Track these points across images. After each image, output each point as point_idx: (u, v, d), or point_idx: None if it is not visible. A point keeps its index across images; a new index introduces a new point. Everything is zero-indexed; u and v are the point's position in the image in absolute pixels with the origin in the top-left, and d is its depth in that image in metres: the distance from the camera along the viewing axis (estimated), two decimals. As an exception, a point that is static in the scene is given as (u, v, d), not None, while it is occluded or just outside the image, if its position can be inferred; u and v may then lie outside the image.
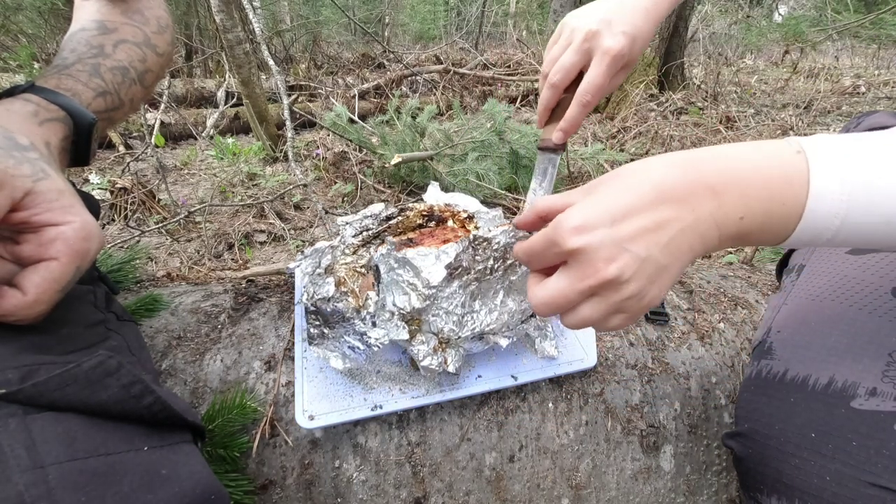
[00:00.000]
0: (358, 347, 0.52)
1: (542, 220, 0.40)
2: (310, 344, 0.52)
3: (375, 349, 0.51)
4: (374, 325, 0.51)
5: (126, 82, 0.52)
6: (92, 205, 0.57)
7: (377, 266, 0.48)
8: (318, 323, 0.53)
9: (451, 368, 0.51)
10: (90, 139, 0.47)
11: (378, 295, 0.50)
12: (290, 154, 1.70)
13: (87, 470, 0.32)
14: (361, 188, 2.07)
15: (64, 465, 0.31)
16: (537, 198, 0.53)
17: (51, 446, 0.31)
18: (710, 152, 0.34)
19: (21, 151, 0.38)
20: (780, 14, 4.91)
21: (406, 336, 0.50)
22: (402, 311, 0.49)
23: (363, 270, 0.62)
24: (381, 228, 0.66)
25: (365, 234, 0.65)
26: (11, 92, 0.43)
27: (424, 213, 0.68)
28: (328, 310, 0.53)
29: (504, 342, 0.53)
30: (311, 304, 0.54)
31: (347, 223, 0.65)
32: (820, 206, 0.32)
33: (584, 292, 0.34)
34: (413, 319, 0.51)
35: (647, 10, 0.57)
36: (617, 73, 0.58)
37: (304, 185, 1.62)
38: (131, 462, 0.34)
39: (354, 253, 0.64)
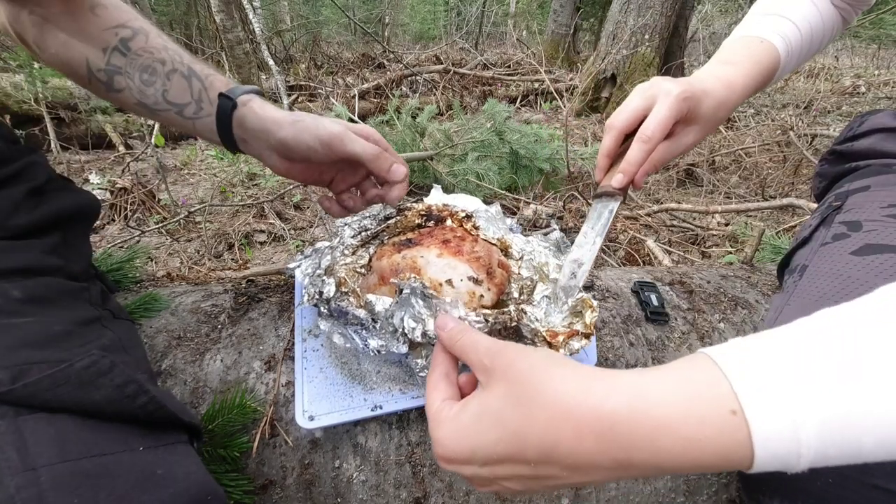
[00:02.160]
0: (357, 343, 0.52)
1: (449, 352, 0.39)
2: (318, 315, 0.53)
3: (372, 354, 0.51)
4: (375, 328, 0.51)
5: None
6: (92, 204, 0.57)
7: (402, 289, 0.48)
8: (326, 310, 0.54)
9: None
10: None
11: (391, 305, 0.49)
12: (290, 154, 1.69)
13: (79, 471, 0.32)
14: (361, 188, 2.07)
15: (56, 467, 0.31)
16: (576, 252, 0.54)
17: (43, 448, 0.31)
18: (629, 411, 0.27)
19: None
20: (780, 14, 4.91)
21: (405, 350, 0.49)
22: (405, 334, 0.48)
23: (363, 271, 0.62)
24: (379, 228, 0.66)
25: (364, 234, 0.65)
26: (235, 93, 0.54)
27: (423, 212, 0.67)
28: (331, 308, 0.53)
29: None
30: (313, 305, 0.54)
31: (346, 224, 0.65)
32: (773, 448, 0.25)
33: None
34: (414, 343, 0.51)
35: (718, 76, 0.57)
36: (685, 127, 0.56)
37: (305, 185, 1.62)
38: (126, 462, 0.34)
39: (354, 253, 0.64)
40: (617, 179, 0.54)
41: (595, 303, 0.51)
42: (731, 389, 0.26)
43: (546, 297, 0.55)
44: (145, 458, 0.36)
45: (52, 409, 0.33)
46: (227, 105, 0.53)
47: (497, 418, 0.31)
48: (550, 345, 0.47)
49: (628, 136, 0.56)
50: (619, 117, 0.55)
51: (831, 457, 0.25)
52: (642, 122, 0.54)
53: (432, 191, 0.73)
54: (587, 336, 0.48)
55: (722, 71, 0.59)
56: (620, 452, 0.27)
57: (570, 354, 0.47)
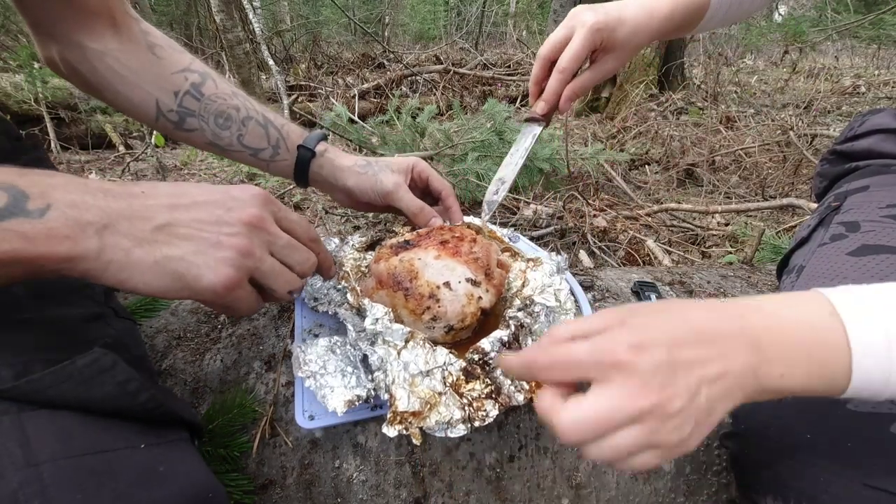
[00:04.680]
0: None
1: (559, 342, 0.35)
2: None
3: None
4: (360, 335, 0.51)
5: None
6: None
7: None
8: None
9: None
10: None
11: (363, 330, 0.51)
12: (290, 154, 1.70)
13: (82, 467, 0.32)
14: (361, 188, 2.07)
15: (59, 463, 0.31)
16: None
17: (45, 444, 0.31)
18: (746, 304, 0.34)
19: None
20: (780, 14, 4.91)
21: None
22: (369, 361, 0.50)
23: (367, 271, 0.63)
24: (381, 236, 0.68)
25: (367, 237, 0.68)
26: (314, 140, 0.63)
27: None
28: (329, 312, 0.54)
29: None
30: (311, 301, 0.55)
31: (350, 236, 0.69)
32: (868, 363, 0.31)
33: (631, 415, 0.30)
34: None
35: (645, 7, 0.59)
36: (605, 55, 0.59)
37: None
38: (128, 459, 0.34)
39: (362, 251, 0.66)
40: (540, 107, 0.60)
41: None
42: (830, 303, 0.33)
43: (546, 306, 0.55)
44: (147, 454, 0.36)
45: (54, 406, 0.33)
46: (306, 155, 0.62)
47: (659, 319, 0.33)
48: (539, 384, 0.47)
49: (554, 64, 0.60)
50: (545, 47, 0.60)
51: None
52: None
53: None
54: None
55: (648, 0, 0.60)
56: (749, 330, 0.33)
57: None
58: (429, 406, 0.44)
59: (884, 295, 0.32)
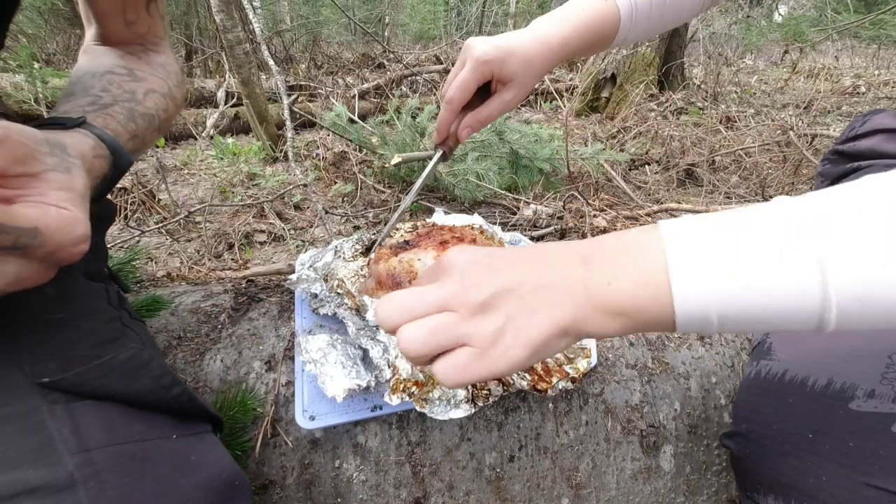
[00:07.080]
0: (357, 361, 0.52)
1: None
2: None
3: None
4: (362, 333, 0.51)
5: (151, 128, 0.52)
6: (108, 207, 0.58)
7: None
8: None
9: None
10: (119, 179, 0.46)
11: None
12: (290, 154, 1.70)
13: (127, 454, 0.34)
14: (361, 188, 2.07)
15: (107, 450, 0.34)
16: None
17: (93, 431, 0.34)
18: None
19: (63, 153, 0.35)
20: (780, 14, 4.90)
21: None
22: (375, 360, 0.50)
23: (364, 272, 0.63)
24: (377, 238, 0.67)
25: (361, 245, 0.68)
26: (64, 124, 0.41)
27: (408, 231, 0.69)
28: (327, 314, 0.54)
29: None
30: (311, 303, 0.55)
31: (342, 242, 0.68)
32: (690, 323, 0.30)
33: (437, 299, 0.32)
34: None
35: (536, 34, 0.58)
36: (503, 86, 0.58)
37: (304, 185, 1.62)
38: (164, 448, 0.37)
39: (354, 260, 0.66)
40: (435, 138, 0.59)
41: (592, 354, 0.53)
42: (667, 271, 0.29)
43: None
44: (179, 444, 0.39)
45: (98, 398, 0.36)
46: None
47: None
48: (541, 377, 0.49)
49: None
50: (446, 84, 0.59)
51: (731, 322, 0.29)
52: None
53: (434, 215, 0.74)
54: (574, 381, 0.50)
55: (542, 28, 0.59)
56: (587, 251, 0.32)
57: (554, 392, 0.50)
58: (432, 381, 0.45)
59: (701, 219, 0.31)
